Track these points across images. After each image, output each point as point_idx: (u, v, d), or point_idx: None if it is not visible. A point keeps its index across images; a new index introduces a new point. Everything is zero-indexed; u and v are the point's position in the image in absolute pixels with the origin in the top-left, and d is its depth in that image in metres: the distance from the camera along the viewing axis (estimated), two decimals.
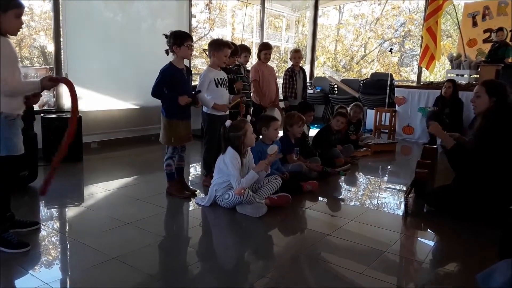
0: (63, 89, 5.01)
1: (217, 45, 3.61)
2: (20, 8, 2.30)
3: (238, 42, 6.16)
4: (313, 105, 5.35)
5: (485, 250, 2.58)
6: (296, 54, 5.45)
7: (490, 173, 2.95)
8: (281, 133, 4.07)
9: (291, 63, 5.50)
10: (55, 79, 2.49)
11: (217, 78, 3.61)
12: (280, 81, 5.92)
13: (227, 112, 3.71)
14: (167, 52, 3.30)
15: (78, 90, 5.01)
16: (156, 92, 3.25)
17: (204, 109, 3.67)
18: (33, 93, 2.42)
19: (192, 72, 4.10)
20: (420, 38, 7.91)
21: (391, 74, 7.64)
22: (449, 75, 7.22)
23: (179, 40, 3.23)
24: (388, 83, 7.22)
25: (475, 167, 3.02)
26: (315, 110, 7.30)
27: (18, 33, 2.41)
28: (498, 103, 2.97)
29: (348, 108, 5.71)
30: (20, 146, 2.39)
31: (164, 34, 3.30)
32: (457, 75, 7.04)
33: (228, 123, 3.17)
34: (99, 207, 3.22)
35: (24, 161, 3.41)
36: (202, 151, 3.91)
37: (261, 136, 3.74)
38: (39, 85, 2.36)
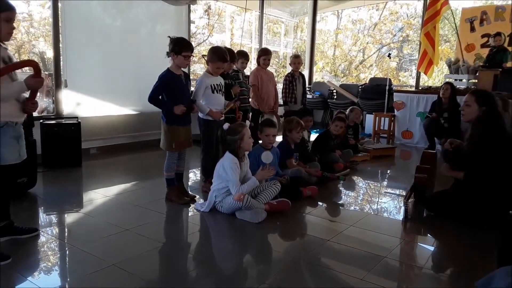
0: (63, 95, 5.01)
1: (213, 55, 3.59)
2: (10, 11, 2.24)
3: (237, 48, 6.19)
4: (312, 110, 5.26)
5: (485, 255, 2.57)
6: (296, 60, 5.47)
7: (488, 179, 2.97)
8: (279, 139, 4.07)
9: (291, 68, 5.52)
10: (35, 73, 2.29)
11: (213, 84, 3.61)
12: (280, 86, 5.94)
13: (223, 118, 3.71)
14: (167, 54, 3.31)
15: (77, 96, 5.10)
16: (153, 98, 3.25)
17: (200, 114, 3.67)
18: (27, 97, 2.37)
19: (191, 77, 4.10)
20: (418, 43, 7.94)
21: (390, 79, 7.66)
22: (447, 80, 7.24)
23: (178, 48, 3.24)
24: (387, 88, 7.24)
25: (472, 174, 3.03)
26: (314, 115, 7.34)
27: (11, 37, 2.34)
28: (487, 112, 3.03)
29: (347, 112, 5.72)
30: (7, 156, 2.32)
31: (168, 36, 3.31)
32: (456, 80, 7.06)
33: (226, 126, 3.18)
34: (98, 213, 3.21)
35: (23, 168, 3.42)
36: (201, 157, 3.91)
37: (260, 141, 3.75)
38: (23, 85, 2.28)
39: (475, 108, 3.07)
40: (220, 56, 3.60)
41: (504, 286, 1.35)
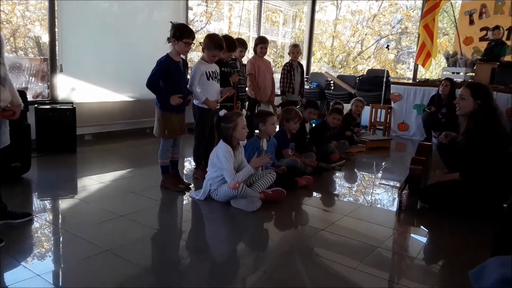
0: (58, 80, 4.97)
1: (209, 42, 3.56)
2: None
3: (234, 36, 6.14)
4: (317, 103, 5.05)
5: (477, 247, 2.60)
6: (295, 49, 5.43)
7: (483, 171, 2.98)
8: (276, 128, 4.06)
9: (289, 58, 5.49)
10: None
11: (209, 71, 3.59)
12: (277, 76, 5.90)
13: (218, 106, 3.69)
14: (168, 39, 3.27)
15: (73, 81, 5.05)
16: (151, 83, 3.22)
17: (195, 102, 3.65)
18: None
19: (189, 65, 4.07)
20: (417, 36, 7.92)
21: (387, 71, 7.64)
22: (445, 72, 7.24)
23: (178, 34, 3.20)
24: (384, 80, 7.23)
25: (468, 167, 3.05)
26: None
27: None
28: (483, 105, 3.02)
29: (350, 104, 5.75)
30: None
31: (170, 22, 3.28)
32: (453, 73, 7.05)
33: (222, 112, 3.15)
34: (92, 199, 3.20)
35: (17, 152, 3.40)
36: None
37: (257, 131, 3.73)
38: None
39: (470, 102, 3.07)
40: (217, 44, 3.56)
41: (496, 276, 1.36)
